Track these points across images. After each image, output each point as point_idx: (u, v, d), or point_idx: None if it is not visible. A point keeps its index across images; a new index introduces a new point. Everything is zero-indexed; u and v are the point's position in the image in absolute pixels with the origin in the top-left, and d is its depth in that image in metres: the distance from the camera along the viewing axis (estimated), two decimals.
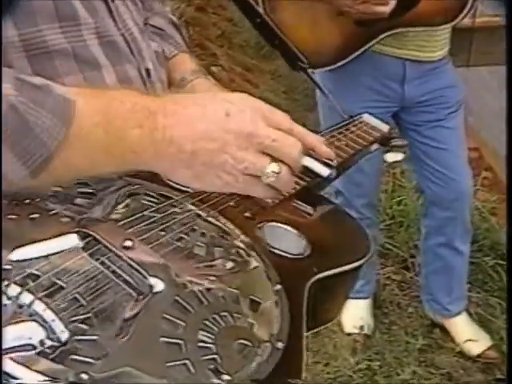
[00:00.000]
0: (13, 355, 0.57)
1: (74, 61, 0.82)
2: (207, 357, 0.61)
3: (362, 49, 1.83)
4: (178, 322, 0.64)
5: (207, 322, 0.65)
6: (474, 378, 2.10)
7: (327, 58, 1.86)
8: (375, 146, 1.11)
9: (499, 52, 1.99)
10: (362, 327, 2.26)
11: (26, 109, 0.63)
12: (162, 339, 0.62)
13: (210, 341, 0.63)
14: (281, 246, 0.80)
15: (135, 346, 0.60)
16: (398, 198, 2.68)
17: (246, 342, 0.64)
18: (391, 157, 1.13)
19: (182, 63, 1.07)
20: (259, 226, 0.82)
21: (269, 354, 0.64)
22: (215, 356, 0.62)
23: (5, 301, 0.61)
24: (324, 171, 0.75)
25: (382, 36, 1.81)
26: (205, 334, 0.63)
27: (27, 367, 0.56)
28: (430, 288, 2.28)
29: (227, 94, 0.75)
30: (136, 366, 0.58)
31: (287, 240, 0.82)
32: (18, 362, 0.56)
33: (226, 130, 0.68)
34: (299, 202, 0.89)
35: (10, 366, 0.56)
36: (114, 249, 0.68)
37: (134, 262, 0.67)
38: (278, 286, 0.73)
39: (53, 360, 0.57)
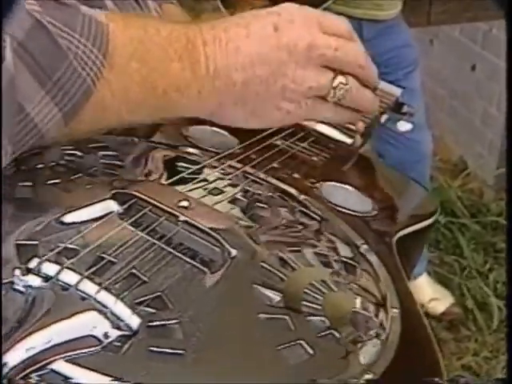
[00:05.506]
0: (69, 354, 0.39)
1: None
2: (323, 333, 0.46)
3: (318, 9, 1.74)
4: (273, 292, 0.48)
5: (306, 290, 0.49)
6: (440, 336, 2.02)
7: None
8: (385, 117, 0.98)
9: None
10: None
11: (57, 30, 0.47)
12: (261, 316, 0.46)
13: (319, 312, 0.48)
14: (346, 204, 0.66)
15: (230, 329, 0.44)
16: None
17: (358, 310, 0.50)
18: (403, 125, 1.01)
19: (167, 14, 0.94)
20: (315, 185, 0.68)
21: (388, 328, 0.49)
22: (332, 331, 0.46)
23: (39, 283, 0.43)
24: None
25: None
26: (309, 304, 0.48)
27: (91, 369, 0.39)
28: None
29: (270, 9, 0.60)
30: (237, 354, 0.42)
31: (350, 199, 0.68)
32: (78, 364, 0.39)
33: (279, 48, 0.55)
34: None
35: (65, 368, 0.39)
36: (168, 209, 0.51)
37: (197, 224, 0.51)
38: (365, 247, 0.58)
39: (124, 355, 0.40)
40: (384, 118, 0.90)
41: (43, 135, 0.48)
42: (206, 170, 0.63)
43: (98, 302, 0.43)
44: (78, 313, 0.41)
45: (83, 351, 0.40)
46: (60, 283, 0.44)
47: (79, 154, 0.58)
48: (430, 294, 2.14)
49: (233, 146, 0.67)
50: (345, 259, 0.55)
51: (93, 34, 0.49)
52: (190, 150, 0.66)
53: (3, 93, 0.44)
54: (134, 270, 0.46)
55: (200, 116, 0.58)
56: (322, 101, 0.58)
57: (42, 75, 0.47)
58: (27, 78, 0.46)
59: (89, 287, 0.44)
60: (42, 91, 0.47)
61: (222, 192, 0.60)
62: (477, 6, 1.93)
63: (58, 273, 0.44)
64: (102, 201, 0.52)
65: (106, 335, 0.41)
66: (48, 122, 0.48)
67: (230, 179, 0.62)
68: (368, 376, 0.44)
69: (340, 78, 0.58)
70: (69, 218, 0.50)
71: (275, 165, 0.68)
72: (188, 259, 0.49)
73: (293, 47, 0.55)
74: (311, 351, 0.44)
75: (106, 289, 0.44)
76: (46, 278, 0.44)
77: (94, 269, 0.45)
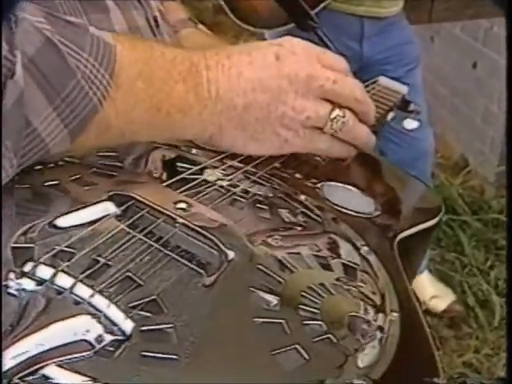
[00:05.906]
0: (61, 359, 0.39)
1: None
2: (320, 338, 0.46)
3: (320, 6, 1.73)
4: (270, 296, 0.47)
5: (304, 294, 0.49)
6: (441, 334, 2.02)
7: (285, 17, 1.75)
8: (391, 115, 0.97)
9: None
10: None
11: (66, 48, 0.48)
12: (257, 320, 0.45)
13: (316, 317, 0.47)
14: (348, 205, 0.65)
15: (224, 334, 0.44)
16: None
17: (356, 314, 0.49)
18: (410, 123, 1.00)
19: (169, 11, 0.94)
20: (317, 185, 0.67)
21: (386, 332, 0.49)
22: (329, 336, 0.46)
23: (33, 286, 0.43)
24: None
25: None
26: (307, 308, 0.48)
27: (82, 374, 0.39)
28: None
29: (272, 40, 0.63)
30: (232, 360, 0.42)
31: (353, 200, 0.67)
32: (69, 369, 0.39)
33: (280, 76, 0.57)
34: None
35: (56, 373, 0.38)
36: (166, 211, 0.51)
37: (195, 226, 0.51)
38: (365, 248, 0.58)
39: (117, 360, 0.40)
40: (390, 115, 0.90)
41: (49, 150, 0.49)
42: (206, 171, 0.63)
43: (92, 306, 0.42)
44: (70, 317, 0.41)
45: (76, 356, 0.39)
46: (54, 287, 0.43)
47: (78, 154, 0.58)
48: (431, 291, 2.14)
49: None
50: (345, 262, 0.55)
51: (101, 53, 0.50)
52: (191, 149, 0.65)
53: (12, 107, 0.45)
54: (129, 273, 0.46)
55: (200, 138, 0.59)
56: (319, 132, 0.60)
57: (51, 91, 0.47)
58: (36, 93, 0.47)
59: (83, 291, 0.43)
60: (50, 107, 0.48)
61: (222, 193, 0.60)
62: (478, 4, 1.93)
63: (53, 276, 0.44)
64: (99, 202, 0.52)
65: (98, 340, 0.41)
66: (54, 138, 0.49)
67: (230, 180, 0.62)
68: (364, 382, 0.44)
69: (337, 111, 0.60)
70: (66, 219, 0.49)
71: (277, 164, 0.68)
72: (185, 261, 0.49)
73: (293, 77, 0.57)
74: (307, 356, 0.44)
75: (100, 292, 0.43)
76: (41, 282, 0.43)
77: (89, 272, 0.45)
